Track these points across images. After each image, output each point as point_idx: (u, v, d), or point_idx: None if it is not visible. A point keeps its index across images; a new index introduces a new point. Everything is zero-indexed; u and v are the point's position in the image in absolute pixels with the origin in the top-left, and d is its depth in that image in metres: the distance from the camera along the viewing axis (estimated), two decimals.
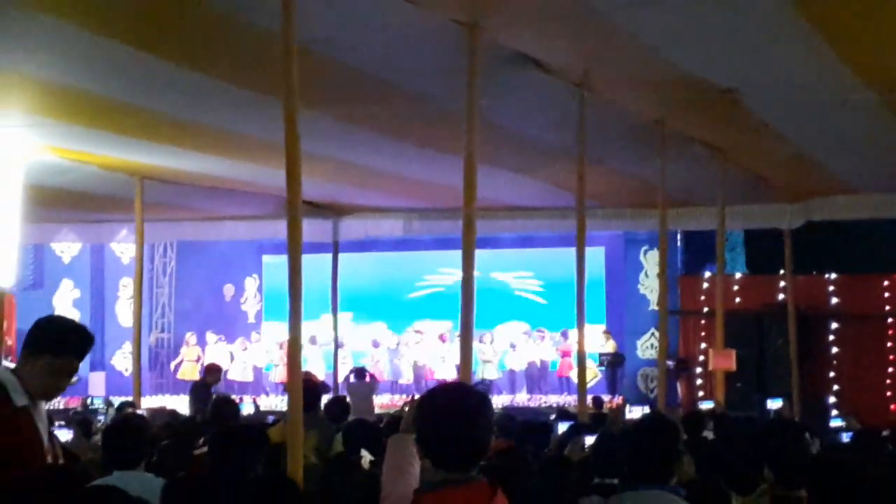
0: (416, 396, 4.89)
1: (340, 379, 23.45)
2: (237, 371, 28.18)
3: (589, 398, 16.28)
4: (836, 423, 18.59)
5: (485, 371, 26.74)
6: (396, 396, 25.97)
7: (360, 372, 21.93)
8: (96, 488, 5.11)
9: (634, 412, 16.14)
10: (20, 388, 5.45)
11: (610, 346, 26.32)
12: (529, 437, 10.15)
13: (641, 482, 5.07)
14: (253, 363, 28.79)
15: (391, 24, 10.18)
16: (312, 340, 26.28)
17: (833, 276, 24.22)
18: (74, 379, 5.72)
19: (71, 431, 12.64)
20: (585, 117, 12.66)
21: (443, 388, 4.30)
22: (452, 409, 3.95)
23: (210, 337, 28.75)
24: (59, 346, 5.51)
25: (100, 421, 15.36)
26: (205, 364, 27.04)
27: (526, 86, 12.03)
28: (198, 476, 5.76)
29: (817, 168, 17.24)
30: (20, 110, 13.34)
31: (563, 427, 11.64)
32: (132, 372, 19.51)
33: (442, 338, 27.80)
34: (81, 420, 13.97)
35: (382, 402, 23.74)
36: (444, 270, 29.14)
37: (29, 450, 5.43)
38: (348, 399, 14.28)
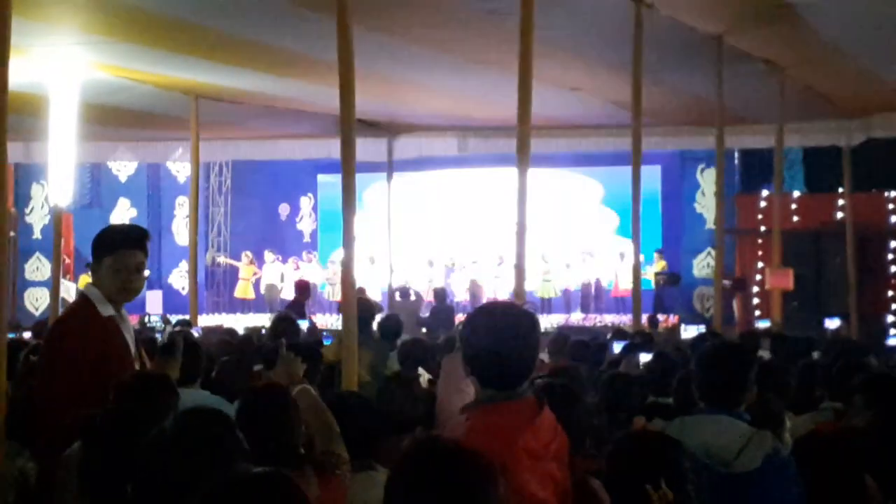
0: None
1: (398, 299, 23.49)
2: (290, 290, 28.23)
3: (644, 317, 16.23)
4: (893, 341, 18.44)
5: (544, 289, 26.73)
6: None
7: (404, 290, 21.87)
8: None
9: (689, 331, 16.04)
10: (104, 299, 5.66)
11: (661, 267, 26.16)
12: (584, 356, 10.10)
13: (709, 406, 5.00)
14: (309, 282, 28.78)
15: None
16: (370, 260, 26.32)
17: (893, 193, 23.88)
18: (146, 272, 5.90)
19: None
20: (642, 33, 12.51)
21: (489, 307, 4.26)
22: (498, 328, 3.92)
23: (268, 256, 28.85)
24: (114, 244, 5.73)
25: (157, 338, 15.49)
26: (262, 282, 27.19)
27: (582, 0, 11.89)
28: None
29: (878, 84, 16.99)
30: (75, 28, 13.34)
31: (618, 347, 11.60)
32: (189, 290, 19.70)
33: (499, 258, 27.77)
34: (143, 339, 14.04)
35: None
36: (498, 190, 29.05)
37: (118, 358, 5.62)
38: None
